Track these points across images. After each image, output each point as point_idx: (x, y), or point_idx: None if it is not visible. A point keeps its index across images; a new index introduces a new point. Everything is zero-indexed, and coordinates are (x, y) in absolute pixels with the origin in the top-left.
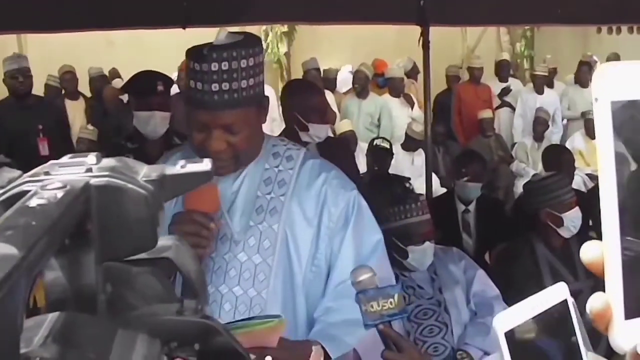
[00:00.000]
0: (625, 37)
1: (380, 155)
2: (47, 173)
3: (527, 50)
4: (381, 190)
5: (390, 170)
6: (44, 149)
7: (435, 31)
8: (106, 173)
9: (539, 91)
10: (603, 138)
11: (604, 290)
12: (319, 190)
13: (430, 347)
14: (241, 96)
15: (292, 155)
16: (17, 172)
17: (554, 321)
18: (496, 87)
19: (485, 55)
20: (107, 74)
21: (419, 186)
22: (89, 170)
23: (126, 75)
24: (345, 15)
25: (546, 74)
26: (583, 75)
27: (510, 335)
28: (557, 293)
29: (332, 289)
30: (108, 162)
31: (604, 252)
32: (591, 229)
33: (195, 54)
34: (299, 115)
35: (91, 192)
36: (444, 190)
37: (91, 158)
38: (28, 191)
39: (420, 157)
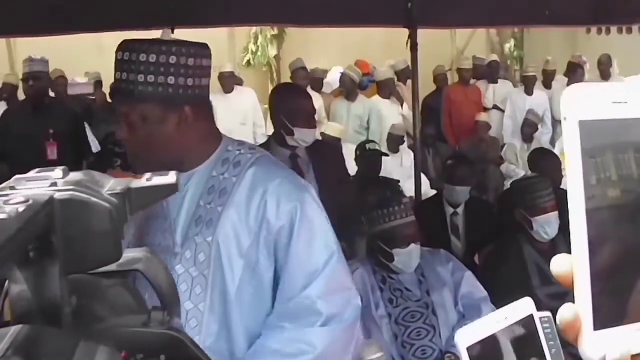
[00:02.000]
0: (614, 37)
1: (372, 158)
2: (12, 187)
3: (517, 51)
4: (372, 193)
5: (380, 173)
6: (52, 153)
7: (424, 33)
8: (70, 187)
9: (529, 92)
10: (571, 156)
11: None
12: (259, 201)
13: (418, 350)
14: (145, 90)
15: (240, 162)
16: None
17: (519, 336)
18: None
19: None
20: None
21: (409, 188)
22: (54, 184)
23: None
24: (334, 17)
25: (535, 74)
26: (572, 75)
27: (472, 349)
28: (522, 308)
29: (282, 304)
30: (74, 176)
31: (573, 264)
32: None
33: (125, 43)
34: (285, 119)
35: (55, 206)
36: (434, 191)
37: (57, 172)
38: None
39: (409, 157)
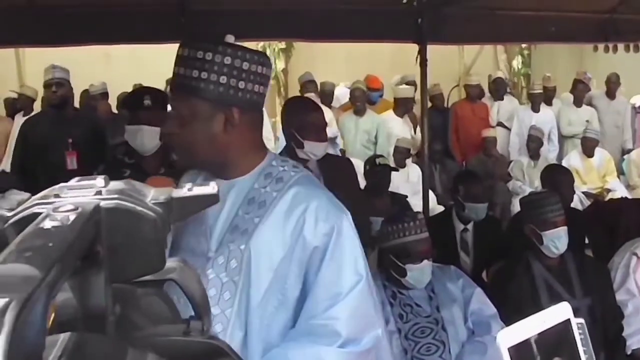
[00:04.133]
0: (621, 55)
1: (382, 173)
2: (57, 195)
3: (524, 68)
4: (381, 208)
5: (389, 187)
6: (71, 162)
7: (432, 49)
8: (115, 196)
9: (535, 109)
10: None
11: (600, 309)
12: (298, 218)
13: None
14: (197, 85)
15: (283, 178)
16: (26, 195)
17: (556, 339)
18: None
19: (483, 74)
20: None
21: (415, 203)
22: (99, 192)
23: (121, 88)
24: (344, 32)
25: (542, 91)
26: (577, 92)
27: (513, 350)
28: (559, 312)
29: (305, 322)
30: (116, 184)
31: None
32: (587, 247)
33: (186, 40)
34: (296, 132)
35: (101, 215)
36: (440, 207)
37: (99, 181)
38: (39, 213)
39: (415, 173)
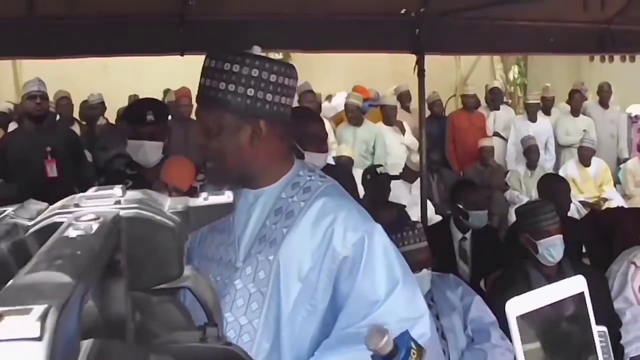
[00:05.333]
0: (617, 65)
1: (382, 182)
2: (76, 205)
3: (521, 78)
4: (380, 218)
5: (388, 197)
6: (51, 170)
7: (429, 59)
8: (134, 205)
9: (532, 119)
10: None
11: (597, 317)
12: (327, 228)
13: None
14: (224, 97)
15: (310, 188)
16: (44, 204)
17: (569, 311)
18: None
19: (479, 84)
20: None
21: (415, 213)
22: (118, 202)
23: (119, 99)
24: (342, 43)
25: (539, 101)
26: (574, 102)
27: (522, 319)
28: (574, 285)
29: (342, 331)
30: (134, 194)
31: None
32: (584, 255)
33: (214, 52)
34: (296, 142)
35: (121, 224)
36: (438, 217)
37: (117, 190)
38: (60, 222)
39: (416, 185)
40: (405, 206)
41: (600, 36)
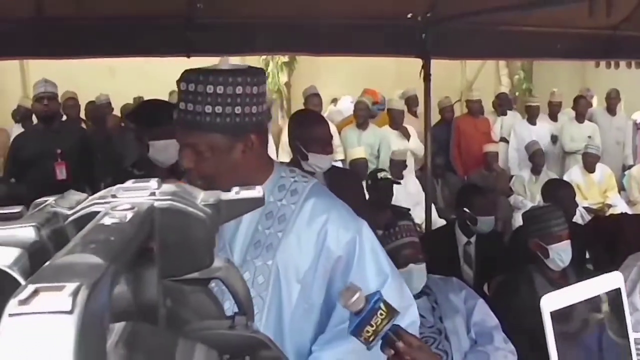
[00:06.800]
0: (623, 71)
1: (384, 187)
2: (113, 196)
3: (526, 83)
4: (383, 222)
5: (391, 201)
6: (61, 173)
7: (435, 64)
8: (169, 197)
9: (532, 122)
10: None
11: None
12: (319, 230)
13: None
14: (212, 121)
15: (297, 189)
16: (84, 195)
17: (604, 307)
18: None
19: (485, 89)
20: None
21: (417, 214)
22: (153, 194)
23: (125, 101)
24: (348, 46)
25: (538, 104)
26: (579, 108)
27: (557, 315)
28: (610, 281)
29: (336, 327)
30: (169, 187)
31: None
32: (588, 261)
33: (188, 75)
34: (301, 144)
35: (155, 214)
36: (442, 220)
37: (153, 183)
38: (98, 212)
39: (414, 184)
40: (409, 209)
41: (606, 42)
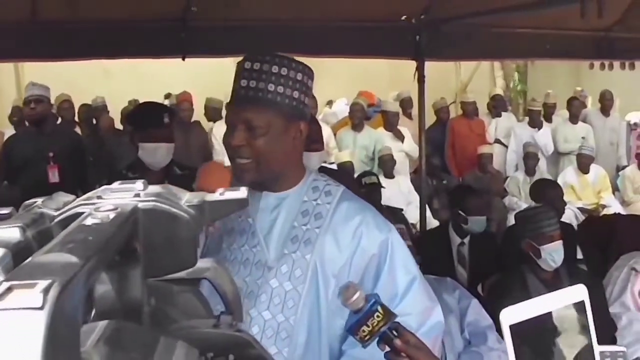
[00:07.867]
0: (617, 72)
1: (371, 191)
2: (99, 197)
3: (521, 85)
4: None
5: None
6: (53, 176)
7: (429, 66)
8: (153, 198)
9: (534, 126)
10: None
11: (593, 321)
12: (355, 229)
13: None
14: (274, 99)
15: (330, 191)
16: (72, 196)
17: (566, 320)
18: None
19: (479, 90)
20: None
21: (409, 214)
22: (137, 195)
23: (120, 103)
24: (343, 48)
25: (541, 109)
26: (573, 109)
27: (516, 329)
28: (574, 294)
29: None
30: (154, 188)
31: None
32: (581, 262)
33: (254, 56)
34: None
35: (139, 215)
36: (436, 221)
37: (139, 184)
38: (82, 213)
39: (405, 183)
40: (402, 210)
41: (598, 43)
